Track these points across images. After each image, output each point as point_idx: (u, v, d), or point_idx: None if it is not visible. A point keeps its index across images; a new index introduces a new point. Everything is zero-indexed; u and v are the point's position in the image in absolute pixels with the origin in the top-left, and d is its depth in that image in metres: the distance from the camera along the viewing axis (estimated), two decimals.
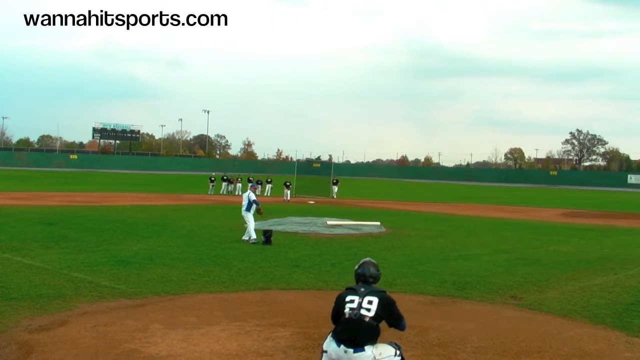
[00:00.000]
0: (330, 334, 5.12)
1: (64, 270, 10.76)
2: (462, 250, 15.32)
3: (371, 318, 4.98)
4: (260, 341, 6.81)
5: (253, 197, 16.21)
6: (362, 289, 5.16)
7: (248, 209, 15.89)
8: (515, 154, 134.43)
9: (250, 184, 19.40)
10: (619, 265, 13.58)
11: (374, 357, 4.97)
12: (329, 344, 5.08)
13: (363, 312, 5.00)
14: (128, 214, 22.28)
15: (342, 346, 4.95)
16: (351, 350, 4.91)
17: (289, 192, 36.92)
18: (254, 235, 15.57)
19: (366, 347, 4.95)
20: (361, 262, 5.46)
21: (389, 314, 5.10)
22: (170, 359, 6.14)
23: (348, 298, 5.12)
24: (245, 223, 15.86)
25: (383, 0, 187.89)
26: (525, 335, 7.40)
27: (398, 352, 5.18)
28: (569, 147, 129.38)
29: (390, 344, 5.23)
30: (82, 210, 23.48)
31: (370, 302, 5.04)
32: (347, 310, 5.05)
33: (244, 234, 15.81)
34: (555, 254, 15.01)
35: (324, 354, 5.17)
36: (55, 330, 7.03)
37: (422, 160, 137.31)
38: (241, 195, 17.65)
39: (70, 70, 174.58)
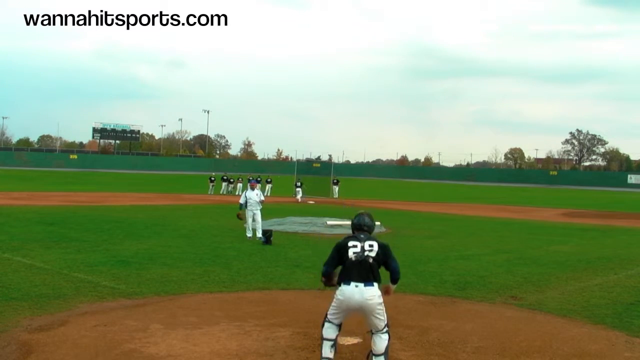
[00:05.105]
0: (339, 285, 5.67)
1: (64, 270, 10.75)
2: (462, 250, 15.30)
3: (373, 259, 5.67)
4: (260, 341, 6.80)
5: (260, 196, 16.57)
6: (362, 236, 5.83)
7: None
8: (515, 154, 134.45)
9: (250, 181, 19.80)
10: (619, 265, 13.57)
11: (380, 296, 5.64)
12: (342, 291, 5.63)
13: (367, 253, 5.66)
14: (128, 214, 22.27)
15: (352, 283, 5.56)
16: (362, 284, 5.55)
17: (299, 191, 36.95)
18: (249, 234, 15.99)
19: (375, 284, 5.62)
20: (358, 213, 6.16)
21: (386, 254, 5.79)
22: (170, 359, 6.14)
23: (351, 244, 5.75)
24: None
25: (383, 2, 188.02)
26: (525, 335, 7.39)
27: (386, 329, 5.78)
28: (569, 147, 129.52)
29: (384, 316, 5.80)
30: (82, 210, 23.48)
31: (371, 246, 5.72)
32: (351, 254, 5.67)
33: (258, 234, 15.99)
34: (555, 254, 14.99)
35: (332, 309, 5.75)
36: (55, 330, 7.02)
37: (422, 160, 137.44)
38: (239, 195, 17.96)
39: (70, 70, 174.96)
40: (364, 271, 5.59)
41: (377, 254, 5.71)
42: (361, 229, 5.94)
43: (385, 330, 5.76)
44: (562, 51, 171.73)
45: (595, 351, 6.87)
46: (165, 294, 9.26)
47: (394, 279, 5.97)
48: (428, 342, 6.98)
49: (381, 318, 5.69)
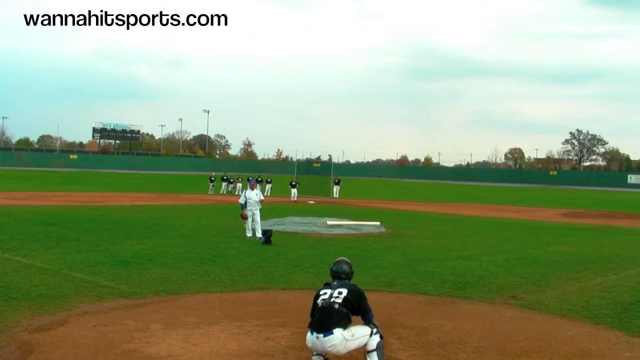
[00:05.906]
0: (308, 328, 5.72)
1: (64, 270, 10.76)
2: (462, 250, 15.31)
3: (340, 305, 5.62)
4: (260, 341, 6.81)
5: (260, 196, 16.88)
6: (335, 283, 5.90)
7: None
8: (515, 154, 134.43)
9: (250, 181, 20.00)
10: (619, 265, 13.58)
11: (344, 339, 5.55)
12: (307, 338, 5.70)
13: (333, 299, 5.66)
14: (128, 214, 22.28)
15: (314, 333, 5.56)
16: (321, 335, 5.51)
17: (295, 191, 36.96)
18: (249, 234, 16.14)
19: (335, 330, 5.52)
20: (336, 260, 6.24)
21: (357, 302, 5.74)
22: (170, 359, 6.14)
23: (322, 292, 5.84)
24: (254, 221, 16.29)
25: (383, 2, 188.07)
26: (525, 335, 7.40)
27: (375, 331, 5.78)
28: (568, 147, 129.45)
29: (367, 324, 5.82)
30: (82, 210, 23.48)
31: (340, 293, 5.73)
32: (319, 301, 5.74)
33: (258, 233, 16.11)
34: (555, 254, 15.00)
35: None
36: (55, 330, 7.03)
37: (422, 160, 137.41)
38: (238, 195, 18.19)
39: (70, 70, 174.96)
40: (326, 319, 5.57)
41: (345, 299, 5.67)
42: (339, 277, 6.01)
43: (373, 335, 5.78)
44: (562, 51, 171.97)
45: (595, 351, 6.88)
46: (165, 294, 9.26)
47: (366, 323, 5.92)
48: (428, 342, 6.99)
49: (357, 345, 5.66)
